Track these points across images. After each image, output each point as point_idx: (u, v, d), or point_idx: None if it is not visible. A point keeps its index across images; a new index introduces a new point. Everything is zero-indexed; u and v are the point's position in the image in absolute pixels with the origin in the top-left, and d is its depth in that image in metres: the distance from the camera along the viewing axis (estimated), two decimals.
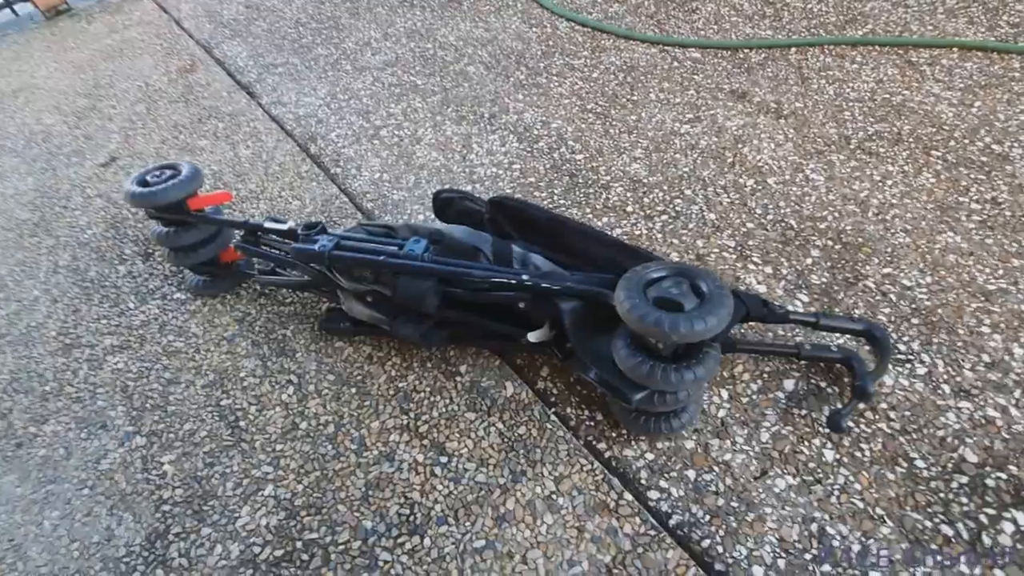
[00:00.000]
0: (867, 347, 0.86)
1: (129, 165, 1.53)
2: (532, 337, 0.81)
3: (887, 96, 1.33)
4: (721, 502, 0.74)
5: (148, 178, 0.98)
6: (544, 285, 0.76)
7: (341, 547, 0.75)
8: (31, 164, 1.62)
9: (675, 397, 0.72)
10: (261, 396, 0.94)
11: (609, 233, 1.03)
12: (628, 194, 1.18)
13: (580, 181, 1.23)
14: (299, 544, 0.76)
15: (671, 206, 1.14)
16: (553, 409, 0.85)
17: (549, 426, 0.83)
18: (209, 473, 0.85)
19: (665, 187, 1.18)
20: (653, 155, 1.26)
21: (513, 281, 0.77)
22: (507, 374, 0.90)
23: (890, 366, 0.84)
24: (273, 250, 0.95)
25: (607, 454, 0.80)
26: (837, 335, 0.87)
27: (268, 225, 0.92)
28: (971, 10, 1.56)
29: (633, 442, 0.80)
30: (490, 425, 0.84)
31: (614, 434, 0.82)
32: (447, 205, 1.01)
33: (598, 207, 1.16)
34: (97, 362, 1.05)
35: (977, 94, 1.30)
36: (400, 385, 0.91)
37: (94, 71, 1.98)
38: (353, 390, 0.92)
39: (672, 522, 0.73)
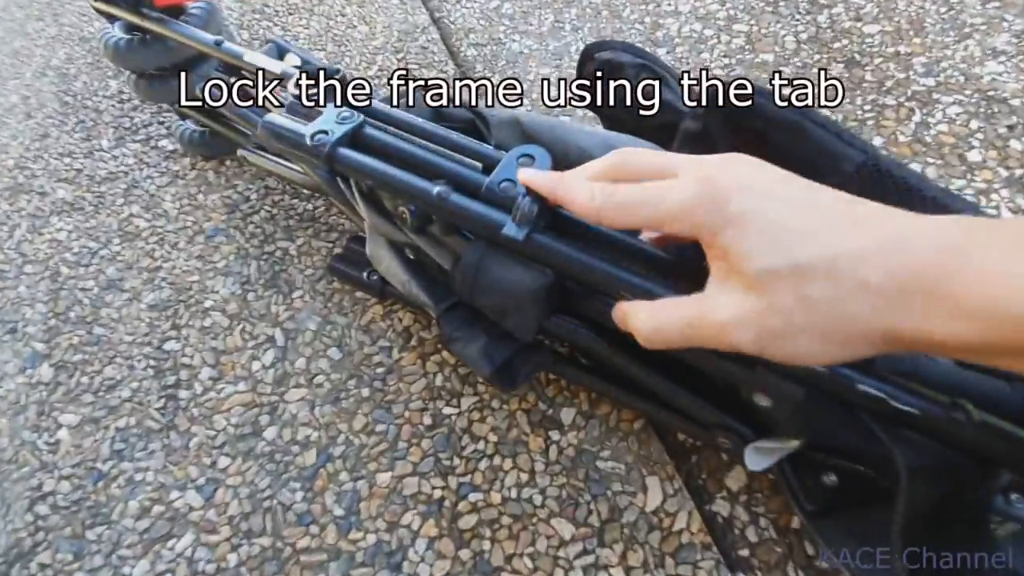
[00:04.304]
0: None
1: None
2: (754, 462, 0.33)
3: None
4: None
5: None
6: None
7: None
8: None
9: None
10: (223, 354, 0.56)
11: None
12: (972, 122, 0.58)
13: (867, 79, 0.63)
14: None
15: None
16: None
17: None
18: (112, 470, 0.51)
19: None
20: None
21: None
22: (653, 457, 0.45)
23: None
24: (253, 107, 0.50)
25: None
26: None
27: (250, 58, 0.46)
28: None
29: None
30: (600, 566, 0.41)
31: None
32: (608, 79, 0.49)
33: (901, 137, 0.58)
34: (40, 221, 0.71)
35: None
36: (446, 412, 0.49)
37: None
38: (365, 392, 0.51)
39: None
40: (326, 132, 0.37)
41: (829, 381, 0.26)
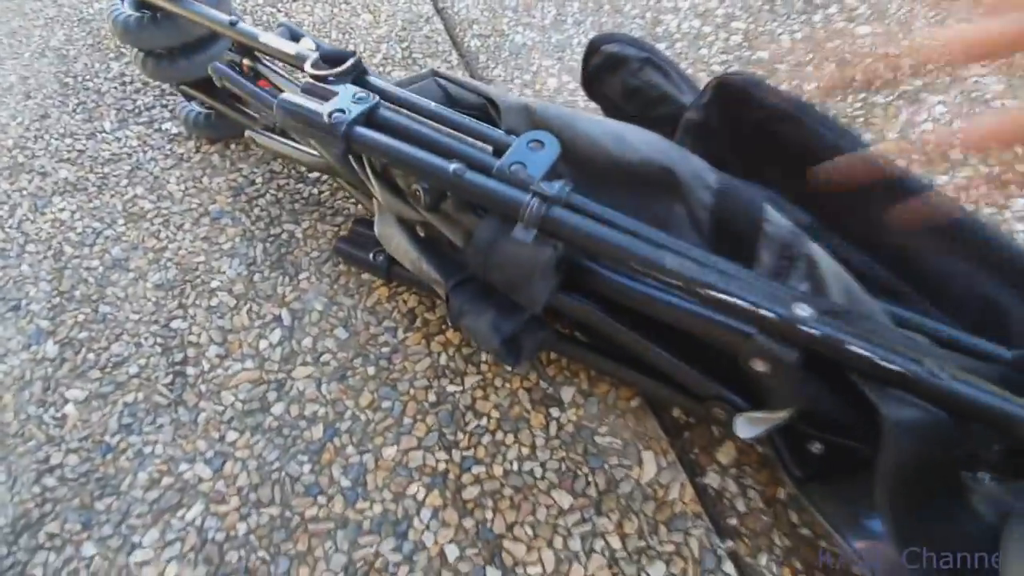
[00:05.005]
0: None
1: None
2: (744, 430, 0.35)
3: None
4: None
5: None
6: None
7: None
8: None
9: None
10: (230, 333, 0.57)
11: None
12: (956, 122, 0.61)
13: (858, 78, 0.66)
14: None
15: None
16: (728, 543, 0.42)
17: None
18: (121, 443, 0.52)
19: None
20: None
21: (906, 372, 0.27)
22: (649, 433, 0.47)
23: None
24: (261, 89, 0.51)
25: None
26: None
27: (265, 39, 0.47)
28: None
29: None
30: (597, 533, 0.43)
31: None
32: (611, 69, 0.51)
33: (889, 134, 0.61)
34: (42, 201, 0.71)
35: None
36: (450, 390, 0.51)
37: None
38: (370, 370, 0.53)
39: None
40: (343, 111, 0.38)
41: (821, 343, 0.28)
